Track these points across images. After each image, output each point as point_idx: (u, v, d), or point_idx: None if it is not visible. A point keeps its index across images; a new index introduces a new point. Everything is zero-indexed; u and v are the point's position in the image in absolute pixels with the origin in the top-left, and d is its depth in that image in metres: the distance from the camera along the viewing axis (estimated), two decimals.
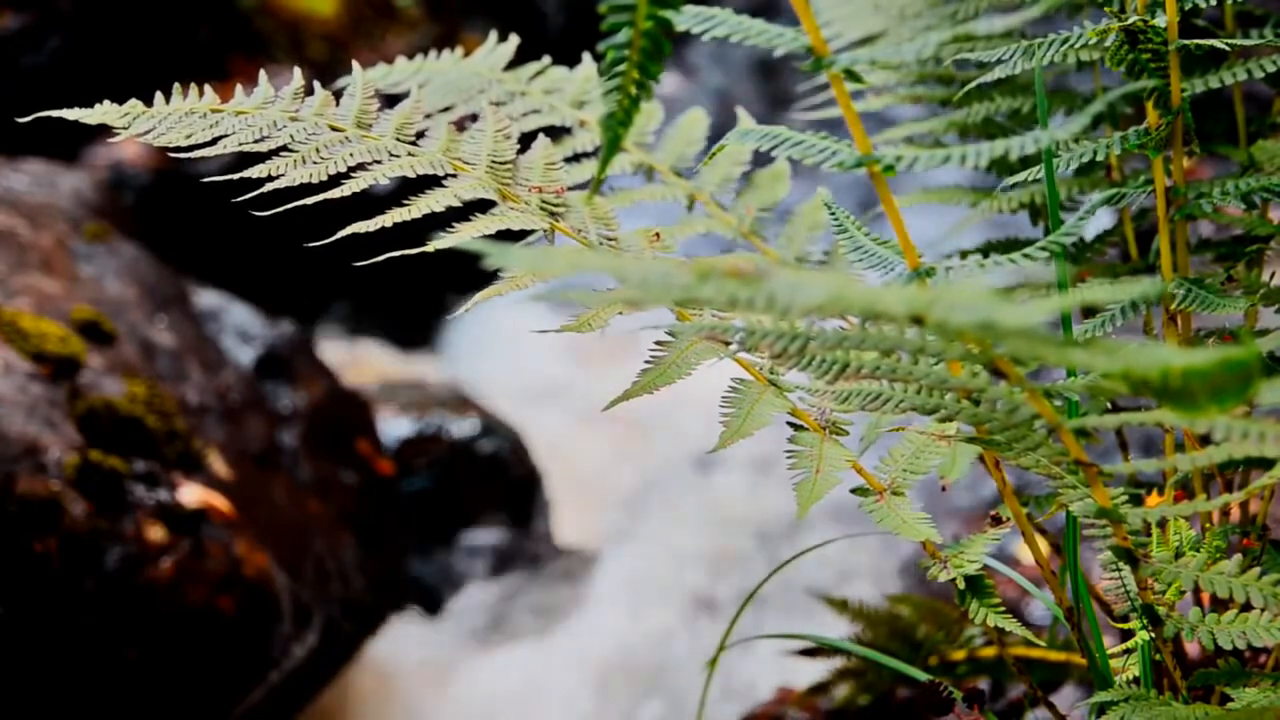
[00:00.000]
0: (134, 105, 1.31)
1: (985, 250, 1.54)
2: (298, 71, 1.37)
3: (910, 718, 1.84)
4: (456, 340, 4.10)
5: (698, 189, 1.56)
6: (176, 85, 1.33)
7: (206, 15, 4.11)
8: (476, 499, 3.29)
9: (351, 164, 1.29)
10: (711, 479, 3.45)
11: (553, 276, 1.33)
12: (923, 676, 1.40)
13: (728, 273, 0.80)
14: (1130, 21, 1.24)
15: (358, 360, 3.82)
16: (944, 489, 1.30)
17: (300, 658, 2.45)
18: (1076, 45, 1.31)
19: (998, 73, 1.34)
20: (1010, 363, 0.97)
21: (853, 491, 1.24)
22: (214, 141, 1.29)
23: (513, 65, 1.62)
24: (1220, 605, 1.31)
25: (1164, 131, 1.29)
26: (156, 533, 2.20)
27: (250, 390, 2.68)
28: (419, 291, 3.90)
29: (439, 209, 1.26)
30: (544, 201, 1.32)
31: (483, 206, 1.29)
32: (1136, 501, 1.21)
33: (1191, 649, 1.46)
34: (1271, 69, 1.31)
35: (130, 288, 2.63)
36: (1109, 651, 1.25)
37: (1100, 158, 1.32)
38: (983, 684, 1.79)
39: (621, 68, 0.93)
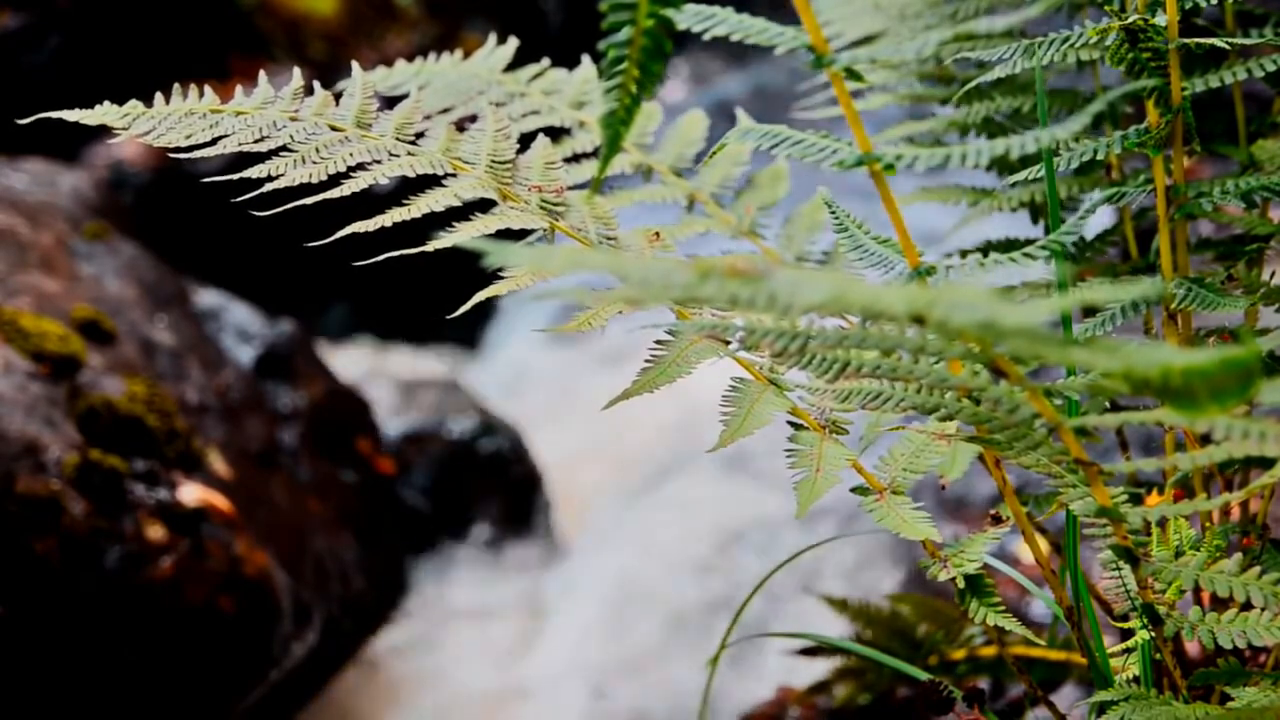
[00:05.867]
0: (134, 106, 1.32)
1: (985, 249, 1.54)
2: (297, 71, 1.37)
3: (910, 717, 1.84)
4: (457, 339, 4.11)
5: (697, 189, 1.56)
6: (176, 85, 1.33)
7: (206, 15, 4.12)
8: (476, 498, 3.29)
9: (351, 164, 1.29)
10: (713, 479, 3.45)
11: (552, 275, 1.33)
12: (923, 676, 1.40)
13: (728, 272, 0.80)
14: (1130, 20, 1.24)
15: (357, 359, 3.82)
16: (943, 488, 1.30)
17: (300, 657, 2.45)
18: (1077, 44, 1.31)
19: (998, 72, 1.34)
20: (1010, 362, 0.97)
21: (853, 491, 1.24)
22: (214, 142, 1.29)
23: (513, 66, 1.62)
24: (1220, 604, 1.31)
25: (1164, 130, 1.29)
26: (156, 532, 2.20)
27: (250, 389, 2.68)
28: (419, 290, 3.90)
29: (439, 209, 1.26)
30: (544, 201, 1.32)
31: (483, 206, 1.29)
32: (1136, 501, 1.21)
33: (1192, 648, 1.46)
34: (1271, 68, 1.31)
35: (130, 287, 2.63)
36: (1109, 651, 1.25)
37: (1100, 157, 1.32)
38: (983, 683, 1.79)
39: (622, 66, 0.93)
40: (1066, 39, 1.31)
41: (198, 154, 1.29)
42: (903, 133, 1.67)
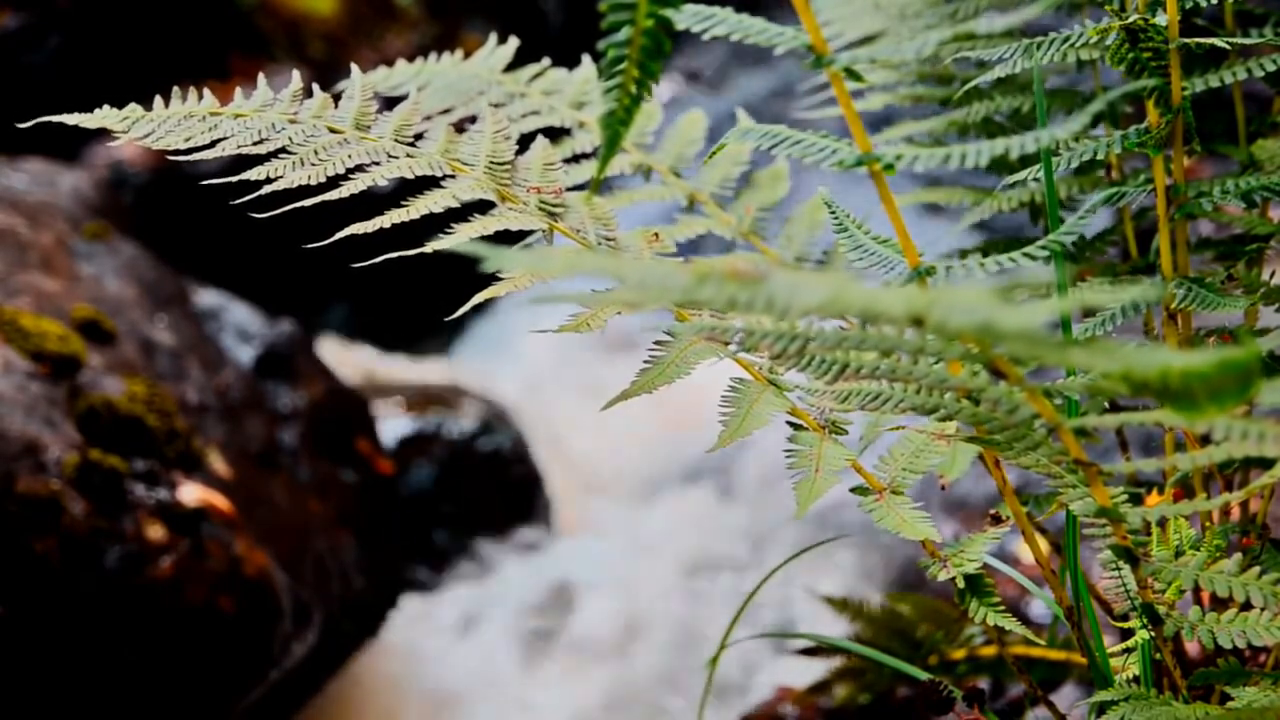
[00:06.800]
0: (133, 109, 1.31)
1: (985, 250, 1.54)
2: (296, 74, 1.37)
3: (910, 717, 1.84)
4: (456, 339, 4.11)
5: (697, 189, 1.56)
6: (176, 88, 1.33)
7: (206, 14, 4.12)
8: (477, 498, 3.29)
9: (350, 165, 1.29)
10: (712, 477, 3.45)
11: (551, 277, 1.33)
12: (922, 675, 1.40)
13: (726, 274, 0.80)
14: (1131, 20, 1.24)
15: (357, 359, 3.83)
16: (943, 488, 1.30)
17: (300, 656, 2.45)
18: (1077, 44, 1.30)
19: (998, 72, 1.33)
20: (1010, 363, 0.97)
21: (852, 491, 1.24)
22: (213, 144, 1.29)
23: (513, 66, 1.62)
24: (1220, 604, 1.31)
25: (1164, 130, 1.29)
26: (156, 532, 2.20)
27: (250, 389, 2.68)
28: (418, 290, 3.90)
29: (438, 210, 1.26)
30: (542, 202, 1.32)
31: (482, 207, 1.29)
32: (1136, 501, 1.21)
33: (1191, 648, 1.46)
34: (1271, 68, 1.31)
35: (130, 287, 2.63)
36: (1109, 650, 1.25)
37: (1100, 157, 1.32)
38: (983, 683, 1.79)
39: (622, 66, 0.93)
40: (1066, 39, 1.31)
41: (196, 156, 1.29)
42: (903, 133, 1.67)
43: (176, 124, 1.30)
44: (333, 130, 1.32)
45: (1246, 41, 1.32)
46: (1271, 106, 1.53)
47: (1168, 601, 1.15)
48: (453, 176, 1.31)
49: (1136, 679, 1.22)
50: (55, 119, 1.30)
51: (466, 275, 1.47)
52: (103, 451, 2.21)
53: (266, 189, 1.27)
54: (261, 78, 1.36)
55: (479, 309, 1.25)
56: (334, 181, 1.28)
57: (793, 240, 1.56)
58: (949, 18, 1.63)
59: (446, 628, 3.10)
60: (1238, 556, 1.11)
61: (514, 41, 1.64)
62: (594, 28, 0.98)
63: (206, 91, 1.33)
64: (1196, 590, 1.20)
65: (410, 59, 1.64)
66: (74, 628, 2.11)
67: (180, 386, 2.48)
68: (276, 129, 1.31)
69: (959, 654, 1.77)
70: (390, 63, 1.64)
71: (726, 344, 1.18)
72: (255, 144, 1.29)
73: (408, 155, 1.31)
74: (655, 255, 1.35)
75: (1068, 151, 1.33)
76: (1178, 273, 1.35)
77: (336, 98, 1.36)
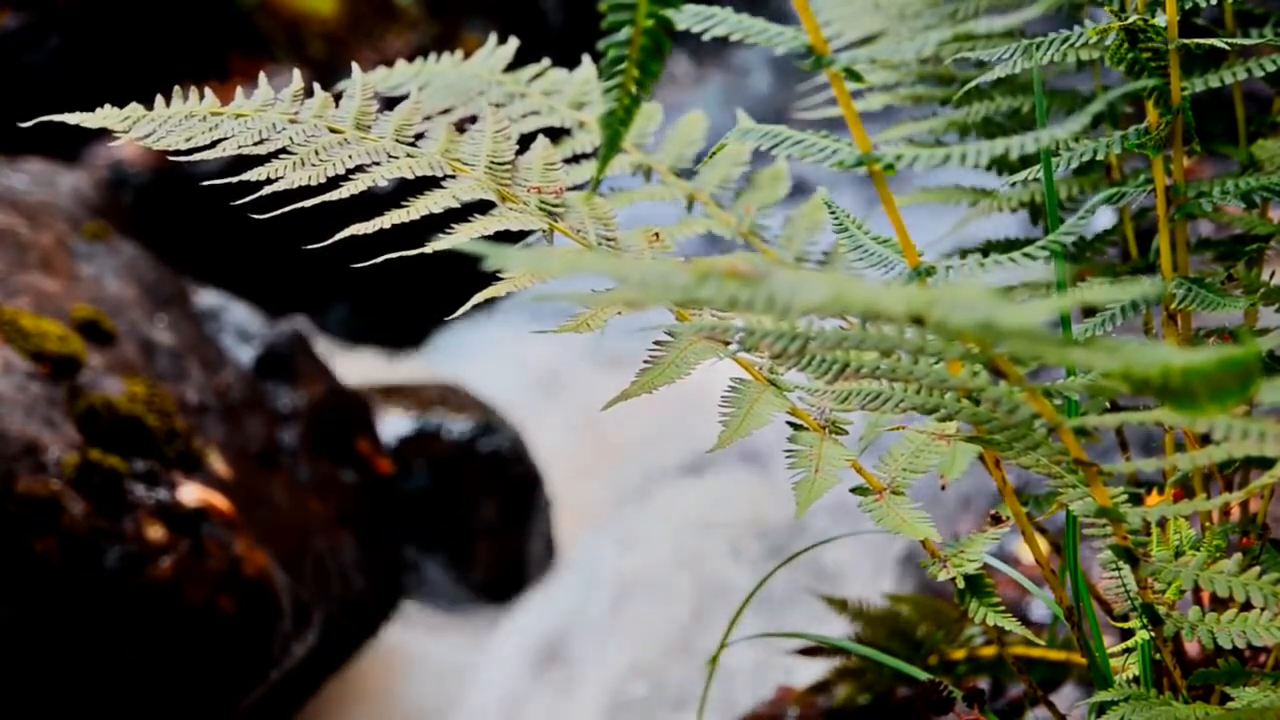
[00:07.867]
0: (134, 109, 1.31)
1: (985, 250, 1.54)
2: (297, 73, 1.37)
3: (910, 717, 1.84)
4: (456, 339, 4.10)
5: (697, 189, 1.56)
6: (176, 87, 1.33)
7: (206, 15, 4.12)
8: (476, 498, 3.29)
9: (350, 166, 1.28)
10: (713, 477, 3.44)
11: (551, 277, 1.33)
12: (922, 676, 1.40)
13: (727, 273, 0.80)
14: (1130, 20, 1.24)
15: (357, 359, 3.83)
16: (943, 488, 1.30)
17: (300, 656, 2.45)
18: (1076, 44, 1.30)
19: (998, 72, 1.33)
20: (1010, 362, 0.97)
21: (852, 491, 1.24)
22: (214, 144, 1.29)
23: (513, 66, 1.62)
24: (1220, 604, 1.31)
25: (1164, 130, 1.29)
26: (156, 532, 2.20)
27: (250, 389, 2.68)
28: (419, 291, 3.91)
29: (438, 210, 1.26)
30: (543, 202, 1.32)
31: (482, 207, 1.29)
32: (1136, 501, 1.21)
33: (1191, 648, 1.46)
34: (1271, 68, 1.31)
35: (130, 287, 2.63)
36: (1109, 651, 1.25)
37: (1100, 157, 1.31)
38: (983, 683, 1.79)
39: (622, 66, 0.93)
40: (1066, 39, 1.31)
41: (197, 157, 1.28)
42: (903, 133, 1.67)
43: (178, 124, 1.30)
44: (333, 130, 1.32)
45: (1246, 42, 1.32)
46: (1271, 106, 1.53)
47: (1168, 601, 1.15)
48: (453, 176, 1.31)
49: (1136, 679, 1.22)
50: (56, 118, 1.30)
51: (467, 275, 1.47)
52: (103, 451, 2.21)
53: (267, 189, 1.27)
54: (263, 77, 1.36)
55: (479, 309, 1.25)
56: (334, 182, 1.28)
57: (793, 240, 1.56)
58: (949, 18, 1.63)
59: (446, 628, 3.11)
60: (1238, 556, 1.11)
61: (514, 41, 1.64)
62: (594, 28, 0.99)
63: (208, 91, 1.33)
64: (1196, 590, 1.20)
65: (410, 59, 1.64)
66: (74, 628, 2.11)
67: (180, 386, 2.48)
68: (277, 129, 1.31)
69: (959, 654, 1.77)
70: (390, 63, 1.64)
71: (727, 344, 1.18)
72: (256, 144, 1.29)
73: (408, 155, 1.31)
74: (655, 255, 1.35)
75: (1068, 152, 1.33)
76: (1178, 273, 1.35)
77: (337, 98, 1.36)
